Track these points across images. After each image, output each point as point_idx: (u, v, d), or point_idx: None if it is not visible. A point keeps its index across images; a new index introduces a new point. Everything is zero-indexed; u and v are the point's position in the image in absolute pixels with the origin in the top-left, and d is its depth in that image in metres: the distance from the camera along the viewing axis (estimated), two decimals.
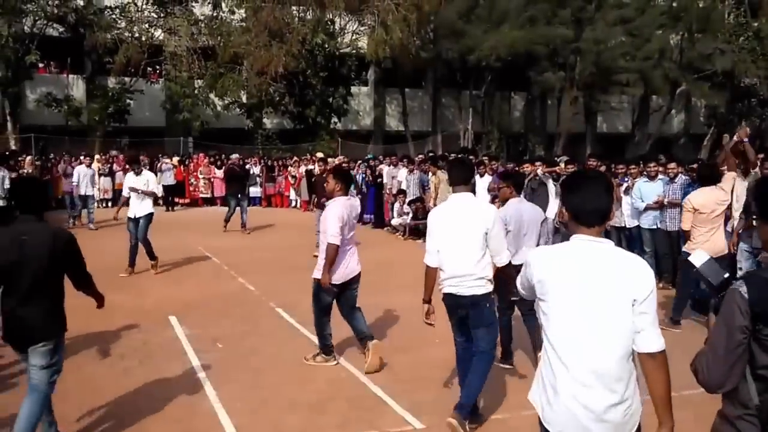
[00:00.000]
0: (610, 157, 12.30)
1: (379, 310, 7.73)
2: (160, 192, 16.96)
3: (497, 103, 29.05)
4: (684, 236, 7.11)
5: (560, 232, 10.32)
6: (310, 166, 18.00)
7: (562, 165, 11.05)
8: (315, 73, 24.68)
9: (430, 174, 13.16)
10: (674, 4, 25.63)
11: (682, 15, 25.03)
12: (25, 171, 14.07)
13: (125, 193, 10.09)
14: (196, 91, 24.48)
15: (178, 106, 24.50)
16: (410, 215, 14.00)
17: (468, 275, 4.38)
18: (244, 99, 25.46)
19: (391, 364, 5.86)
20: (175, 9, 24.33)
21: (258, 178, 21.29)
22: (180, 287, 9.13)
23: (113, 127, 24.79)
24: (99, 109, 23.99)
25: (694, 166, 9.39)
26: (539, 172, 10.92)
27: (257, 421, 4.69)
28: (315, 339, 6.03)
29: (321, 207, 10.08)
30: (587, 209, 2.54)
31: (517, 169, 12.30)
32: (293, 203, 21.12)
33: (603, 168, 10.49)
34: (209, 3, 24.99)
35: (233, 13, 25.03)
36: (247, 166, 19.51)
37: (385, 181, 15.90)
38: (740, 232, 7.21)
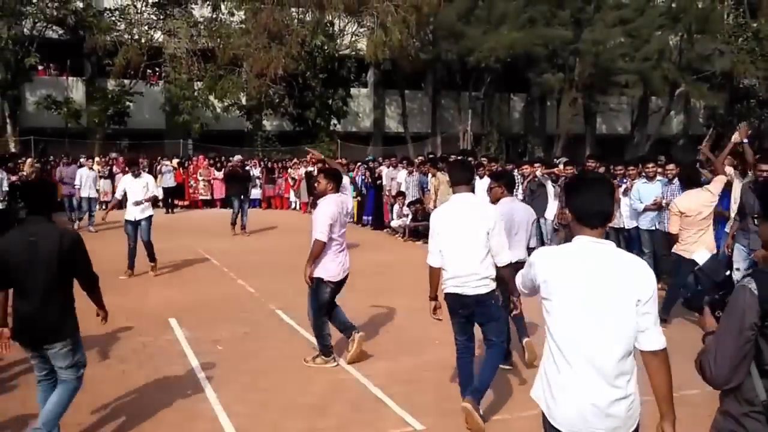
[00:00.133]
0: (609, 159, 12.30)
1: (379, 311, 7.74)
2: (160, 194, 16.97)
3: (496, 105, 29.06)
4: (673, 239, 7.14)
5: (559, 233, 10.34)
6: (310, 168, 18.00)
7: (561, 166, 11.07)
8: (314, 74, 24.70)
9: (430, 176, 13.16)
10: (673, 5, 25.66)
11: (681, 16, 25.06)
12: (25, 173, 14.03)
13: (118, 194, 10.09)
14: (195, 93, 24.50)
15: (177, 108, 24.51)
16: (410, 217, 14.01)
17: (472, 275, 4.43)
18: (243, 101, 25.49)
19: (391, 366, 5.86)
20: (174, 11, 24.37)
21: (258, 180, 21.31)
22: (180, 289, 9.13)
23: (113, 129, 24.82)
24: (98, 112, 24.01)
25: (705, 161, 9.38)
26: (538, 173, 10.94)
27: (257, 424, 4.69)
28: (314, 341, 6.03)
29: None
30: (591, 211, 2.61)
31: (516, 170, 12.35)
32: (293, 205, 21.13)
33: (602, 169, 10.50)
34: (208, 5, 25.02)
35: (232, 15, 25.07)
36: (247, 168, 19.52)
37: (384, 182, 15.90)
38: (735, 233, 7.21)
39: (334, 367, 5.84)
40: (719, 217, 7.77)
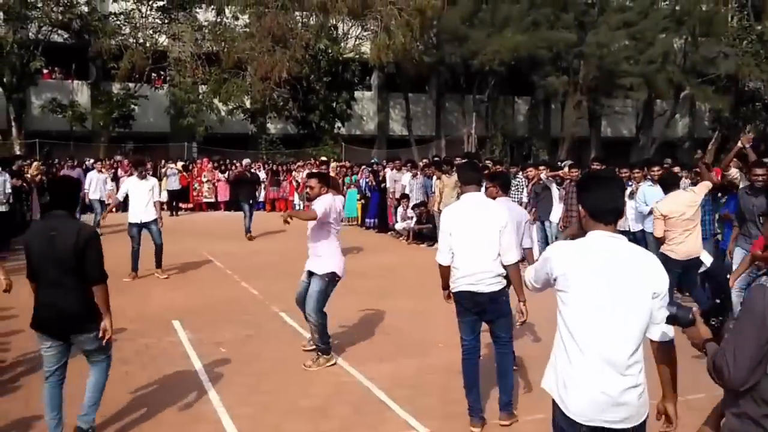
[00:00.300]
0: (614, 161, 12.27)
1: (383, 314, 7.72)
2: (164, 198, 17.00)
3: (501, 108, 29.05)
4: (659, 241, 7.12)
5: (564, 233, 10.28)
6: (314, 171, 17.98)
7: (566, 169, 11.02)
8: (318, 78, 24.74)
9: (435, 178, 13.14)
10: (677, 8, 25.61)
11: (686, 18, 25.01)
12: (29, 176, 14.05)
13: (120, 195, 10.02)
14: (200, 97, 24.60)
15: (182, 111, 24.60)
16: (414, 219, 13.99)
17: (487, 272, 4.47)
18: (247, 104, 25.54)
19: (395, 369, 5.84)
20: (179, 15, 24.48)
21: (262, 183, 21.33)
22: (183, 291, 9.12)
23: (118, 132, 24.92)
24: (103, 115, 24.11)
25: (698, 169, 9.35)
26: (543, 176, 10.91)
27: (260, 426, 4.67)
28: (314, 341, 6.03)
29: None
30: (605, 208, 2.70)
31: (520, 173, 12.31)
32: (297, 208, 21.10)
33: None
34: (213, 9, 25.12)
35: (237, 18, 25.14)
36: (254, 171, 19.54)
37: (388, 185, 15.89)
38: (737, 237, 7.17)
39: (333, 366, 5.85)
40: (726, 220, 7.74)
